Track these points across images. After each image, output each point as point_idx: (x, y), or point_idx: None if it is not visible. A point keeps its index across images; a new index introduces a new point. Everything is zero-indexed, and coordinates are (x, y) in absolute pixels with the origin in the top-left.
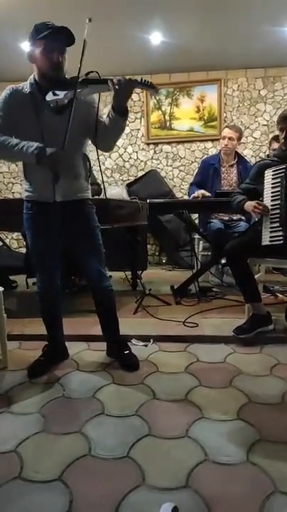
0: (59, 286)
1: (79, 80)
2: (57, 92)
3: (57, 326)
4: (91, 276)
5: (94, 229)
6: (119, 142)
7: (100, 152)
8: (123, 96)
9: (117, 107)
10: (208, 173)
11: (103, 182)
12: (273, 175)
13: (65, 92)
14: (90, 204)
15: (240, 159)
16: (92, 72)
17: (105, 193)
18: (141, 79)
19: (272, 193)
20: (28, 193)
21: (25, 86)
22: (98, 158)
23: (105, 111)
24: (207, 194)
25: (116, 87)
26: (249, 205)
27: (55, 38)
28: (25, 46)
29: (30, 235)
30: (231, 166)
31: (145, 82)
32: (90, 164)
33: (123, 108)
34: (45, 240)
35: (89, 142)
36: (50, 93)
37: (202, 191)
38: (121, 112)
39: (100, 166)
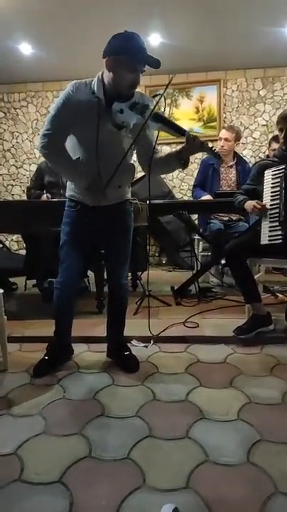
0: (78, 286)
1: (153, 113)
2: (124, 110)
3: (68, 324)
4: (113, 273)
5: (128, 229)
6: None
7: None
8: (191, 152)
9: (181, 156)
10: (207, 173)
11: (149, 200)
12: (272, 175)
13: (132, 113)
14: (129, 203)
15: (239, 160)
16: (157, 95)
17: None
18: (212, 147)
19: (271, 192)
20: (70, 192)
21: (91, 85)
22: (149, 178)
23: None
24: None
25: (188, 142)
26: (249, 204)
27: (147, 64)
28: (24, 48)
29: (67, 229)
30: (230, 166)
31: (213, 149)
32: (135, 170)
33: (186, 161)
34: (78, 237)
35: None
36: (117, 109)
37: (209, 196)
38: (183, 162)
39: (149, 183)
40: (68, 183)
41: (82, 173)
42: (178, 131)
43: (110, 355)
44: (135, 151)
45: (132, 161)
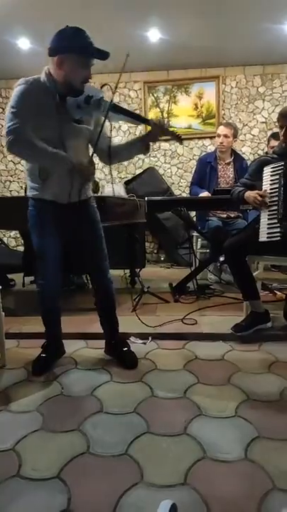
0: (60, 284)
1: (111, 105)
2: (81, 106)
3: (57, 322)
4: (94, 269)
5: (98, 224)
6: (117, 140)
7: None
8: (153, 138)
9: (146, 141)
10: (205, 170)
11: (112, 182)
12: (271, 172)
13: (89, 107)
14: (93, 199)
15: (236, 157)
16: (106, 84)
17: (113, 191)
18: (174, 131)
19: (270, 189)
20: (35, 191)
21: (43, 81)
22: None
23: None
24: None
25: (153, 127)
26: (249, 194)
27: (95, 57)
28: (22, 43)
29: (37, 232)
30: (228, 163)
31: (177, 134)
32: (95, 167)
33: (148, 145)
34: (51, 237)
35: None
36: (74, 104)
37: (207, 193)
38: (147, 147)
39: (111, 170)
40: (31, 184)
41: (63, 155)
42: (141, 120)
43: (108, 351)
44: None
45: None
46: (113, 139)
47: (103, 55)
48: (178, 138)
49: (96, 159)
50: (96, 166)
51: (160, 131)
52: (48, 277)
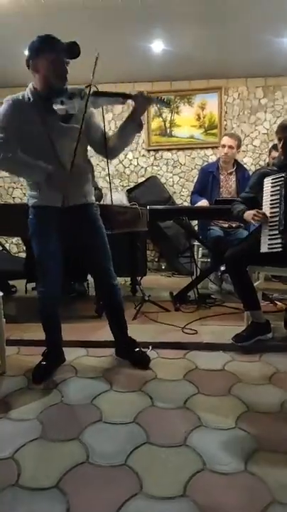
0: (60, 291)
1: (91, 91)
2: (64, 101)
3: (57, 330)
4: (99, 273)
5: (100, 229)
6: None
7: (102, 159)
8: (140, 111)
9: (135, 118)
10: (207, 180)
11: (110, 189)
12: (272, 183)
13: (72, 101)
14: (96, 207)
15: (239, 167)
16: (90, 85)
17: (111, 199)
18: (158, 97)
19: (271, 200)
20: (34, 199)
21: (26, 95)
22: (108, 166)
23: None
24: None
25: (136, 101)
26: (249, 214)
27: (63, 51)
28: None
29: (36, 240)
30: (230, 173)
31: (162, 99)
32: (93, 169)
33: (139, 122)
34: (51, 245)
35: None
36: (57, 102)
37: (206, 200)
38: (138, 123)
39: (109, 171)
40: (30, 192)
41: (40, 167)
42: (123, 96)
43: (119, 353)
44: (89, 146)
45: (88, 157)
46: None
47: (71, 49)
48: (164, 102)
49: (99, 163)
50: (98, 174)
51: (144, 101)
52: (48, 284)
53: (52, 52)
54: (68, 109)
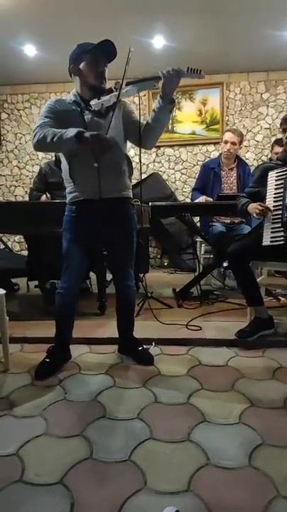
0: (78, 289)
1: (123, 83)
2: (100, 98)
3: (70, 327)
4: (118, 271)
5: (132, 229)
6: None
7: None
8: (171, 86)
9: (165, 95)
10: (208, 177)
11: (140, 181)
12: (276, 176)
13: (109, 96)
14: (132, 203)
15: (240, 162)
16: (122, 79)
17: (141, 193)
18: (188, 68)
19: (274, 194)
20: (72, 194)
21: (68, 97)
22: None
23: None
24: (209, 199)
25: (164, 78)
26: (252, 207)
27: (100, 52)
28: (28, 50)
29: (69, 236)
30: (231, 169)
31: (192, 70)
32: (131, 162)
33: (171, 97)
34: (80, 242)
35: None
36: (95, 101)
37: (204, 197)
38: (168, 100)
39: (141, 166)
40: (68, 189)
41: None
42: (153, 78)
43: (122, 350)
44: (127, 139)
45: (127, 152)
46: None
47: (105, 45)
48: (195, 72)
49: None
50: None
51: (174, 76)
52: (70, 281)
53: (86, 54)
54: (104, 102)
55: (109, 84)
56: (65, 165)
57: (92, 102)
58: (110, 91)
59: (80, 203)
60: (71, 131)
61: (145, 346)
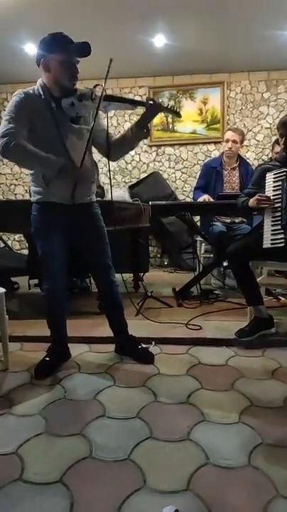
0: (65, 287)
1: (102, 97)
2: (74, 103)
3: (62, 326)
4: (99, 270)
5: (102, 228)
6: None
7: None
8: (149, 118)
9: (141, 124)
10: (210, 176)
11: (111, 185)
12: (274, 178)
13: (82, 103)
14: (97, 205)
15: (242, 162)
16: (98, 85)
17: (111, 194)
18: (168, 105)
19: (273, 195)
20: (39, 195)
21: (36, 90)
22: (109, 162)
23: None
24: (211, 199)
25: (147, 109)
26: (253, 200)
27: (75, 52)
28: (29, 48)
29: (42, 236)
30: (233, 168)
31: (172, 108)
32: (98, 169)
33: (147, 128)
34: (56, 241)
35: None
36: (67, 103)
37: (205, 196)
38: (144, 131)
39: (109, 169)
40: (35, 188)
41: (53, 159)
42: (135, 102)
43: (119, 350)
44: (93, 146)
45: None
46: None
47: (83, 49)
48: (174, 112)
49: (101, 159)
50: (100, 170)
51: (155, 109)
52: (54, 281)
53: (63, 53)
54: (78, 111)
55: (88, 83)
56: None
57: (65, 107)
58: (82, 97)
59: (51, 205)
60: (52, 162)
61: (144, 346)
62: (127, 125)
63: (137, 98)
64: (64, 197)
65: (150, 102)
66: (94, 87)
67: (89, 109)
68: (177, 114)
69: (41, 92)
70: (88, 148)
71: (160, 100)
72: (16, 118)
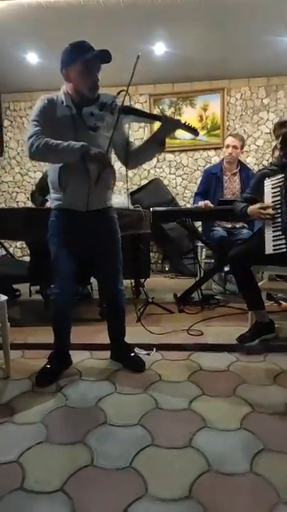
0: (73, 294)
1: (122, 107)
2: (94, 113)
3: (67, 333)
4: (108, 276)
5: (117, 234)
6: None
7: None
8: (167, 132)
9: (159, 139)
10: (211, 182)
11: (127, 191)
12: (272, 184)
13: (102, 113)
14: (114, 210)
15: (242, 167)
16: (122, 91)
17: (128, 200)
18: (185, 122)
19: (272, 202)
20: (58, 201)
21: (60, 97)
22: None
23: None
24: (211, 205)
25: (163, 124)
26: (253, 210)
27: (95, 61)
28: (31, 58)
29: (56, 242)
30: (234, 174)
31: (189, 125)
32: (115, 174)
33: (162, 142)
34: (69, 247)
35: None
36: (88, 112)
37: (206, 202)
38: (159, 145)
39: (127, 175)
40: (54, 195)
41: (73, 143)
42: (152, 117)
43: (114, 356)
44: (113, 152)
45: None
46: (134, 142)
47: (103, 57)
48: (191, 129)
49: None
50: None
51: (171, 125)
52: (63, 286)
53: (82, 64)
54: (96, 121)
55: (112, 90)
56: (54, 174)
57: (84, 111)
58: (103, 106)
59: (67, 212)
60: (76, 145)
61: (145, 352)
62: (138, 128)
63: (154, 112)
64: (79, 202)
65: (166, 118)
66: (118, 93)
67: (107, 118)
68: (194, 131)
69: (63, 99)
70: (109, 145)
71: (160, 107)
72: (40, 122)
